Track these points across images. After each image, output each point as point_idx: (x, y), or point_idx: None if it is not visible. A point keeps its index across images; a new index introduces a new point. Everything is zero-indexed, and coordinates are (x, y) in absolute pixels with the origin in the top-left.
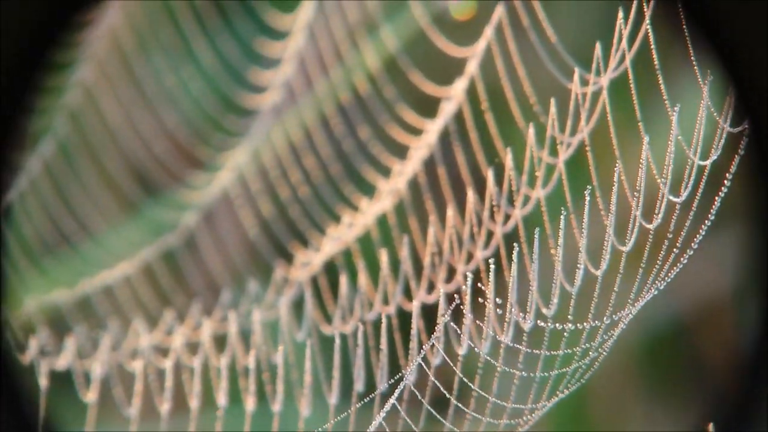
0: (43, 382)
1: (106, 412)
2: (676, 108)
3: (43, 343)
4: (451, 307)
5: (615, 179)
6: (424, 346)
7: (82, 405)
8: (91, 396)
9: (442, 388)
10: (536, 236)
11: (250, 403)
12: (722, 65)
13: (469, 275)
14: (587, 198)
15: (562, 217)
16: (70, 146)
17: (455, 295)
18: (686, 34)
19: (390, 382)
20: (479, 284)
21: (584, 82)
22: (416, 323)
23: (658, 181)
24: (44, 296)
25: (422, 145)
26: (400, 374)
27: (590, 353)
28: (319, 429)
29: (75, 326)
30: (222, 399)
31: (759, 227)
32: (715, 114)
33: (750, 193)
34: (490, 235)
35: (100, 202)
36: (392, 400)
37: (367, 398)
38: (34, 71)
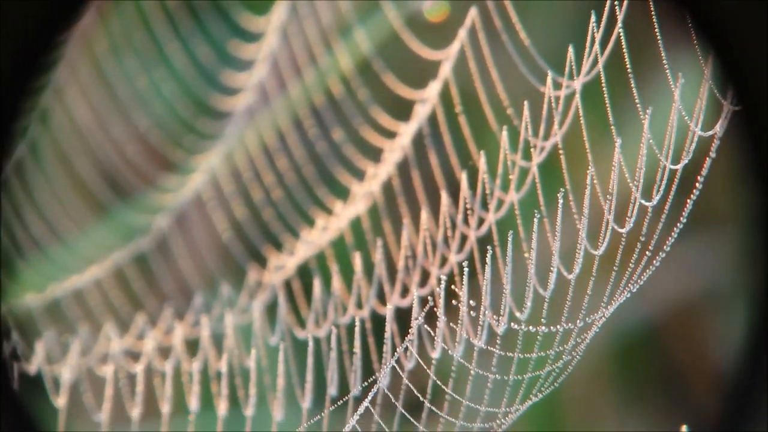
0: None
1: (76, 417)
2: (648, 111)
3: (14, 347)
4: (425, 310)
5: (588, 182)
6: (397, 350)
7: (52, 409)
8: (60, 401)
9: (415, 391)
10: (509, 240)
11: (222, 408)
12: (721, 58)
13: (443, 278)
14: (560, 201)
15: (535, 220)
16: (41, 148)
17: (429, 299)
18: (659, 36)
19: (363, 386)
20: (453, 287)
21: (557, 86)
22: (390, 327)
23: (631, 185)
24: (15, 300)
25: (396, 148)
26: (373, 377)
27: (563, 356)
28: None
29: (45, 331)
30: (194, 403)
31: (756, 231)
32: (686, 117)
33: (745, 197)
34: (464, 238)
35: (71, 205)
36: (365, 404)
37: (340, 402)
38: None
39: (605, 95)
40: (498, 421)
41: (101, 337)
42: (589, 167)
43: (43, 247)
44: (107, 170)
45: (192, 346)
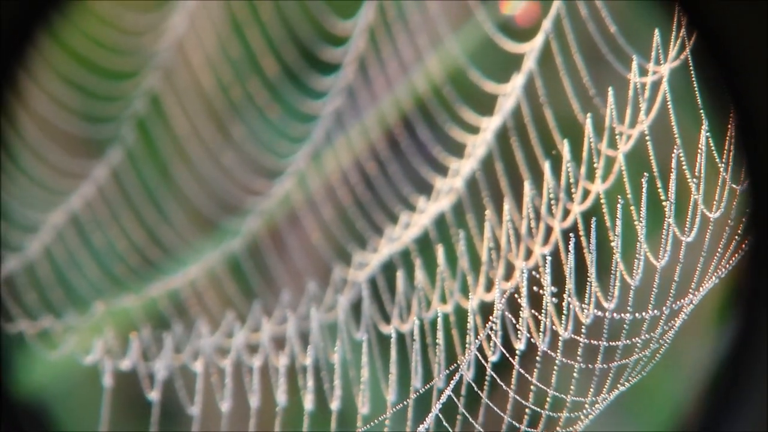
0: (108, 381)
1: (170, 411)
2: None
3: (109, 345)
4: (505, 295)
5: (674, 166)
6: (479, 336)
7: (146, 404)
8: (154, 395)
9: (499, 380)
10: (593, 227)
11: (308, 401)
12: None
13: (525, 268)
14: (644, 186)
15: (619, 206)
16: (138, 154)
17: (511, 289)
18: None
19: (446, 375)
20: (538, 277)
21: (644, 72)
22: (473, 318)
23: (719, 166)
24: (113, 300)
25: (480, 143)
26: (455, 365)
27: (651, 344)
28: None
29: (141, 329)
30: (281, 397)
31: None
32: None
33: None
34: (549, 230)
35: (167, 210)
36: (448, 392)
37: (423, 390)
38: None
39: (692, 78)
40: (585, 411)
41: (194, 334)
42: (674, 150)
43: (142, 251)
44: (203, 176)
45: (279, 342)
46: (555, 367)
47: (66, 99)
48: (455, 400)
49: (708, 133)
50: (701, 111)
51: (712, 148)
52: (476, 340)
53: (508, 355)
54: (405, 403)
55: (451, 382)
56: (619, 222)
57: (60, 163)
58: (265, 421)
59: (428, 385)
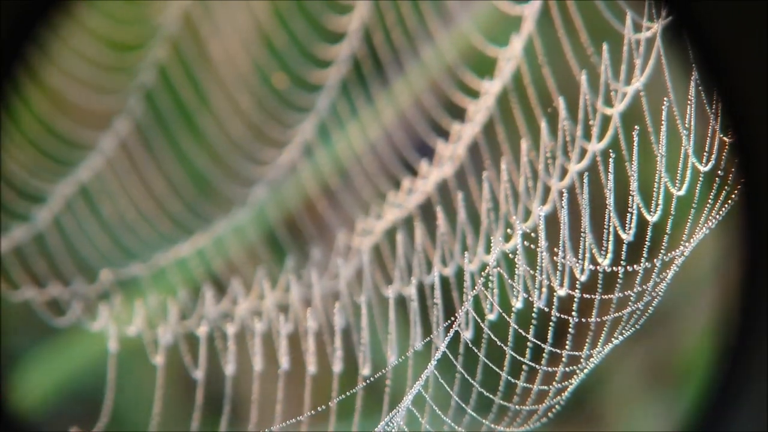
0: (113, 345)
1: (174, 375)
2: None
3: (116, 312)
4: (495, 252)
5: (663, 119)
6: (475, 288)
7: (151, 368)
8: (159, 359)
9: (493, 337)
10: (585, 182)
11: (311, 365)
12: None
13: (522, 227)
14: (636, 139)
15: (611, 160)
16: (146, 126)
17: (510, 250)
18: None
19: (444, 333)
20: (533, 236)
21: (638, 28)
22: (471, 279)
23: (709, 116)
24: (121, 268)
25: (481, 108)
26: (451, 321)
27: (644, 297)
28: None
29: (148, 296)
30: (284, 361)
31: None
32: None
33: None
34: (546, 190)
35: (175, 180)
36: (443, 348)
37: (421, 348)
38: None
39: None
40: (580, 365)
41: (199, 301)
42: (665, 103)
43: (149, 220)
44: (210, 146)
45: (283, 308)
46: (551, 323)
47: (74, 71)
48: (452, 358)
49: (700, 85)
50: (692, 64)
51: (703, 99)
52: (471, 297)
53: (504, 314)
54: (401, 359)
55: (447, 340)
56: (611, 177)
57: (68, 135)
58: (269, 383)
59: (425, 340)
